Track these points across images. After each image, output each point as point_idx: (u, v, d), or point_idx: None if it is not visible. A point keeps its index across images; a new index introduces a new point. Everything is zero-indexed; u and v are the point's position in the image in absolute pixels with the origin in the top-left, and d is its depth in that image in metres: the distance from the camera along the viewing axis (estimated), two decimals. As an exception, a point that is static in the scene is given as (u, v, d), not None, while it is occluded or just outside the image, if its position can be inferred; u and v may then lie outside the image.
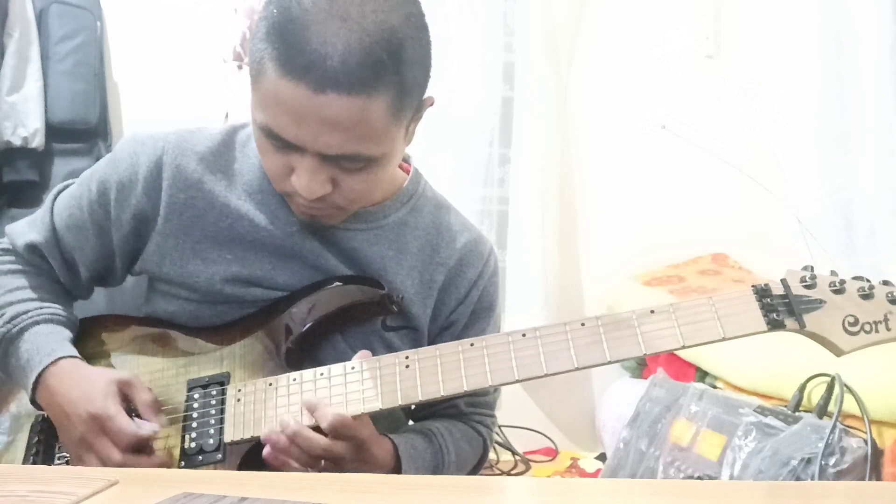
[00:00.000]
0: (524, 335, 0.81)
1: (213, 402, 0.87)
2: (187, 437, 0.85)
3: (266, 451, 0.80)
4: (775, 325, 0.78)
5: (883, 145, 1.99)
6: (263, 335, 0.91)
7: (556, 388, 2.42)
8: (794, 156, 2.22)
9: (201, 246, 0.92)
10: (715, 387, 1.70)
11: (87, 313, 0.99)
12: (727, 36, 2.42)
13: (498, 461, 2.25)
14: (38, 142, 2.15)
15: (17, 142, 2.12)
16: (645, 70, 2.43)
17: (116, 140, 2.36)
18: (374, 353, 0.85)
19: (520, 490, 0.81)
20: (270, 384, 0.85)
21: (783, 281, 0.80)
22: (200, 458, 0.84)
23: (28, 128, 2.13)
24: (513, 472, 2.23)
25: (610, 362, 0.79)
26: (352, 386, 0.82)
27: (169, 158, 0.92)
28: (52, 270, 0.98)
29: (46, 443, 0.89)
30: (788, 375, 1.49)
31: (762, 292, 0.79)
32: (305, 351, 0.90)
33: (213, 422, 0.85)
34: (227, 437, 0.84)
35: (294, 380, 0.85)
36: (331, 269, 0.93)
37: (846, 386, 1.35)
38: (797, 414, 1.39)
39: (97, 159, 2.18)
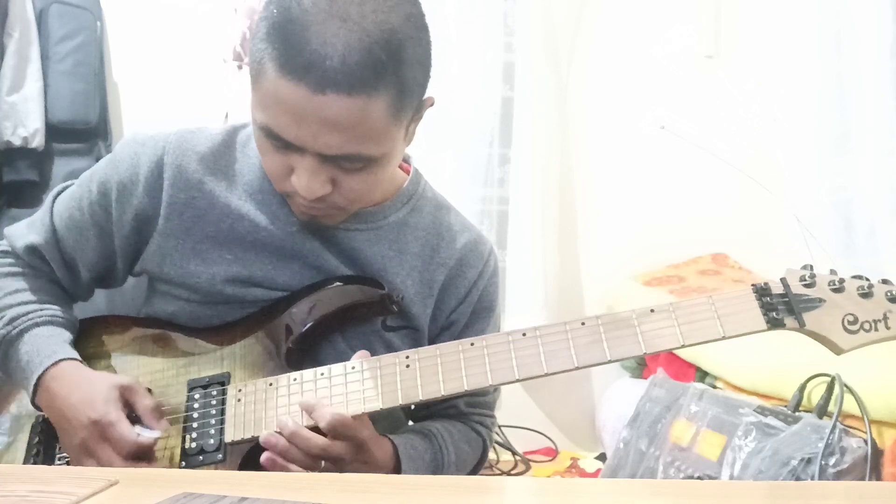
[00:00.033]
0: (524, 334, 0.81)
1: (214, 402, 0.87)
2: (188, 437, 0.85)
3: (264, 457, 0.80)
4: (775, 324, 0.78)
5: (883, 145, 1.99)
6: (264, 335, 0.91)
7: (556, 388, 2.42)
8: (794, 156, 2.22)
9: (202, 246, 0.92)
10: (715, 387, 1.70)
11: (87, 314, 0.99)
12: (727, 36, 2.42)
13: (498, 461, 2.25)
14: (38, 142, 2.15)
15: (17, 142, 2.12)
16: (645, 70, 2.43)
17: (116, 140, 2.36)
18: (375, 353, 0.86)
19: (520, 490, 0.81)
20: (271, 384, 0.85)
21: (783, 280, 0.80)
22: (201, 458, 0.84)
23: (28, 128, 2.13)
24: (513, 472, 2.23)
25: (610, 361, 0.79)
26: (352, 386, 0.83)
27: (170, 159, 0.92)
28: (52, 272, 0.98)
29: (47, 443, 0.89)
30: (788, 375, 1.49)
31: (762, 291, 0.79)
32: (306, 351, 0.90)
33: (213, 422, 0.85)
34: (228, 438, 0.84)
35: (294, 380, 0.85)
36: (331, 269, 0.93)
37: (846, 386, 1.35)
38: (797, 414, 1.39)
39: (97, 159, 2.19)
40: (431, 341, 0.98)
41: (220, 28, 2.30)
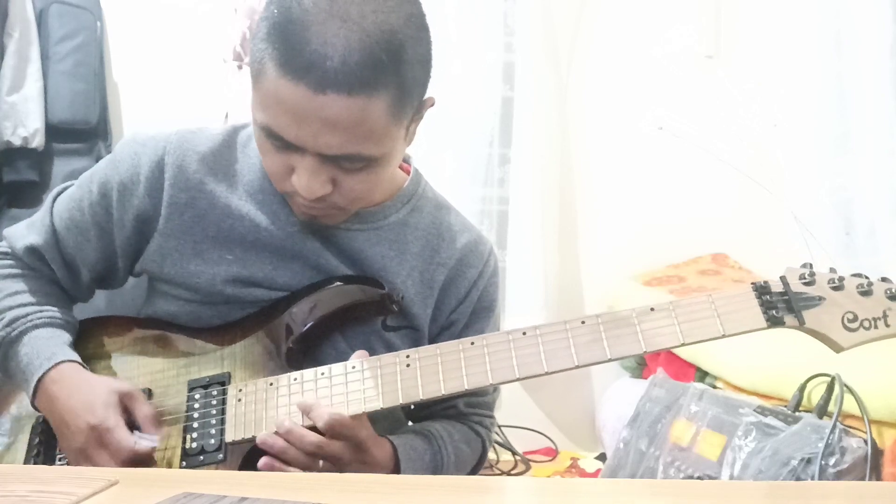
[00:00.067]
0: (524, 333, 0.81)
1: (214, 402, 0.87)
2: (188, 437, 0.85)
3: (262, 462, 0.80)
4: (775, 322, 0.78)
5: (883, 145, 1.99)
6: (264, 335, 0.91)
7: (556, 387, 2.42)
8: (794, 156, 2.22)
9: (202, 246, 0.92)
10: (715, 387, 1.70)
11: (87, 315, 0.99)
12: (727, 36, 2.42)
13: (498, 461, 2.25)
14: (38, 142, 2.15)
15: (17, 142, 2.12)
16: (645, 70, 2.43)
17: (116, 140, 2.36)
18: (375, 353, 0.86)
19: (520, 490, 0.81)
20: (271, 384, 0.85)
21: (782, 278, 0.81)
22: (202, 458, 0.84)
23: (28, 128, 2.13)
24: (513, 472, 2.22)
25: (610, 360, 0.79)
26: (353, 385, 0.83)
27: (171, 159, 0.92)
28: (52, 273, 0.98)
29: (47, 444, 0.89)
30: (788, 375, 1.49)
31: (761, 289, 0.80)
32: (306, 351, 0.90)
33: (214, 422, 0.85)
34: (229, 437, 0.84)
35: (295, 379, 0.85)
36: (331, 269, 0.93)
37: (846, 386, 1.35)
38: (797, 414, 1.39)
39: (97, 159, 2.19)
40: (431, 341, 0.98)
41: (220, 28, 2.30)
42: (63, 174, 2.20)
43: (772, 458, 1.32)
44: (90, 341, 0.96)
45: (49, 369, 0.86)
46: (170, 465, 0.84)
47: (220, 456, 0.84)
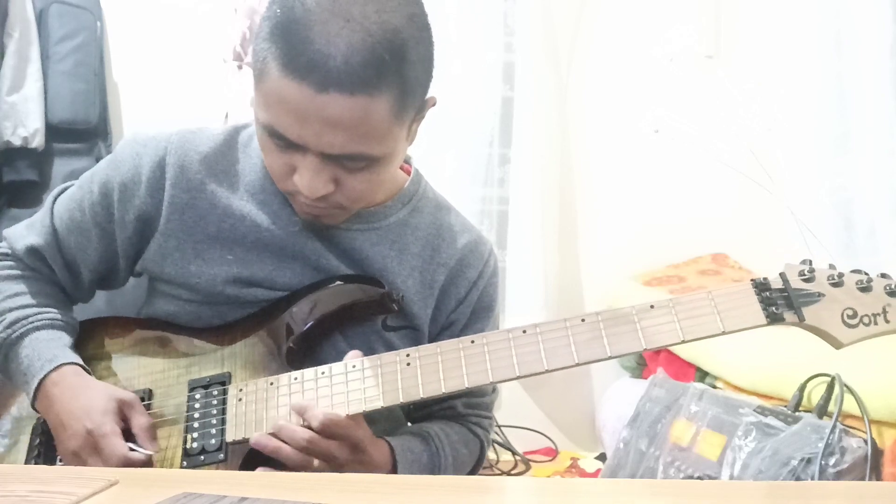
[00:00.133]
0: (524, 332, 0.81)
1: (215, 402, 0.87)
2: (189, 437, 0.86)
3: (258, 472, 0.80)
4: (774, 319, 0.78)
5: (883, 145, 1.99)
6: (264, 335, 0.91)
7: (556, 387, 2.42)
8: (794, 156, 2.22)
9: (203, 246, 0.92)
10: (715, 387, 1.70)
11: (87, 315, 0.99)
12: (727, 36, 2.42)
13: (498, 461, 2.25)
14: (38, 142, 2.15)
15: (17, 142, 2.12)
16: (645, 70, 2.43)
17: (116, 140, 2.36)
18: (375, 353, 0.86)
19: (520, 490, 0.81)
20: (272, 384, 0.85)
21: (782, 275, 0.81)
22: (203, 457, 0.84)
23: (28, 128, 2.13)
24: (513, 472, 2.22)
25: (610, 357, 0.79)
26: (353, 385, 0.83)
27: (172, 159, 0.92)
28: (53, 274, 0.98)
29: (47, 445, 0.89)
30: (788, 375, 1.49)
31: (761, 286, 0.80)
32: (306, 350, 0.90)
33: (214, 422, 0.86)
34: (229, 437, 0.84)
35: (295, 379, 0.85)
36: (332, 269, 0.93)
37: (846, 386, 1.35)
38: (797, 414, 1.39)
39: (97, 159, 2.19)
40: (431, 341, 0.98)
41: (220, 28, 2.30)
42: (63, 174, 2.20)
43: (772, 458, 1.32)
44: (90, 342, 0.96)
45: (50, 371, 0.86)
46: (171, 465, 0.84)
47: (221, 456, 0.84)
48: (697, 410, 1.54)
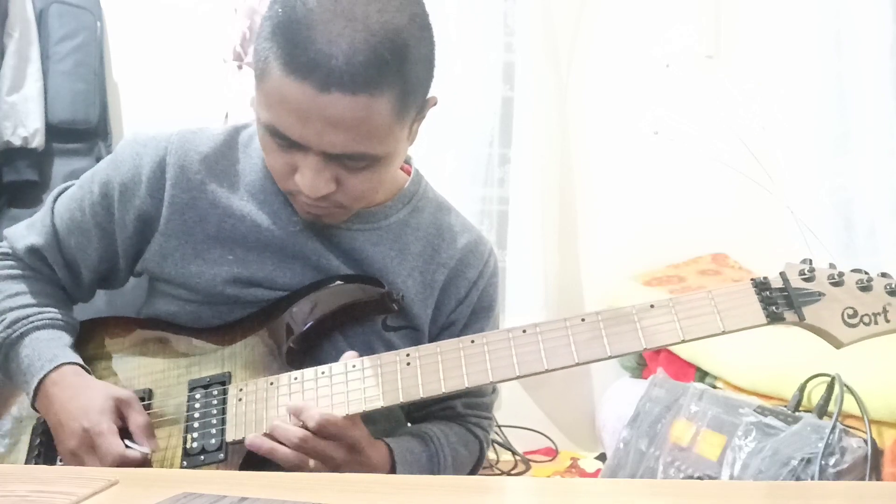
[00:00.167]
0: (524, 331, 0.81)
1: (215, 402, 0.87)
2: (189, 437, 0.86)
3: None
4: (775, 318, 0.78)
5: (883, 145, 1.99)
6: (265, 335, 0.91)
7: (556, 387, 2.42)
8: (794, 156, 2.22)
9: (203, 246, 0.92)
10: (715, 387, 1.70)
11: (87, 315, 0.99)
12: (727, 36, 2.42)
13: (498, 461, 2.25)
14: (38, 142, 2.15)
15: (17, 142, 2.12)
16: (645, 70, 2.43)
17: (116, 140, 2.36)
18: (375, 353, 0.86)
19: (520, 490, 0.81)
20: (272, 383, 0.85)
21: (782, 274, 0.80)
22: (203, 457, 0.84)
23: (28, 128, 2.13)
24: (513, 472, 2.22)
25: (610, 357, 0.79)
26: (353, 385, 0.83)
27: (172, 159, 0.92)
28: (53, 273, 0.98)
29: (48, 445, 0.89)
30: (788, 375, 1.49)
31: (761, 286, 0.79)
32: (307, 350, 0.90)
33: (214, 422, 0.86)
34: (230, 437, 0.84)
35: (295, 379, 0.85)
36: (332, 269, 0.93)
37: (846, 386, 1.35)
38: (797, 414, 1.39)
39: (97, 159, 2.19)
40: (431, 341, 0.97)
41: (220, 28, 2.30)
42: (63, 174, 2.20)
43: (772, 458, 1.32)
44: (91, 342, 0.96)
45: (50, 371, 0.86)
46: (171, 465, 0.84)
47: (221, 456, 0.84)
48: (697, 410, 1.54)
